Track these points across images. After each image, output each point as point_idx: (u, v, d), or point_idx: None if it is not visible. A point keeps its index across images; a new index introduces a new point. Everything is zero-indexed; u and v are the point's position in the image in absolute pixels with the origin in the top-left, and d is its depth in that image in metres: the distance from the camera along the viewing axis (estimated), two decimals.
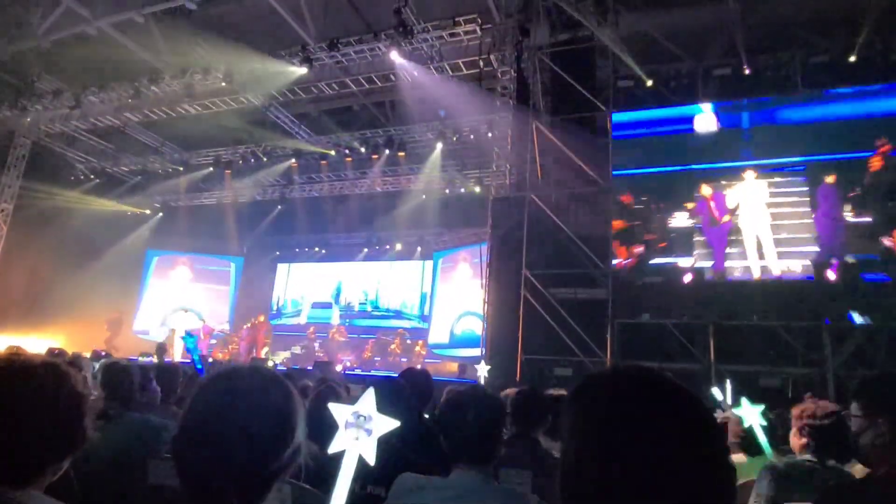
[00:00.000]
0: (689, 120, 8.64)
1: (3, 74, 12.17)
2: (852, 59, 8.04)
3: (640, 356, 8.13)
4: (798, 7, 8.37)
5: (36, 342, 11.38)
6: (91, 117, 12.68)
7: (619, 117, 8.94)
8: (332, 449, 1.21)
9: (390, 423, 1.24)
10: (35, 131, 13.39)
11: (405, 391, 2.51)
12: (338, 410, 1.24)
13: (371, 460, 1.21)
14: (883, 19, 7.63)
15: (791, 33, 8.54)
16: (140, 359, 10.09)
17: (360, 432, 1.21)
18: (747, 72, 8.59)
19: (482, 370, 7.28)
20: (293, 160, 14.29)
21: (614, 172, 8.73)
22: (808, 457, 2.20)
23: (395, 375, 3.11)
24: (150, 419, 2.59)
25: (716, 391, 4.73)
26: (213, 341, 15.51)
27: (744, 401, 2.70)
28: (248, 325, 15.55)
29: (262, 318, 15.82)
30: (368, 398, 1.25)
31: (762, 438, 2.58)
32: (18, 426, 1.06)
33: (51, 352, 7.64)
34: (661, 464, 0.68)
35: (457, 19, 9.43)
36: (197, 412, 0.97)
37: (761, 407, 2.67)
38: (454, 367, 12.04)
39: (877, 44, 8.05)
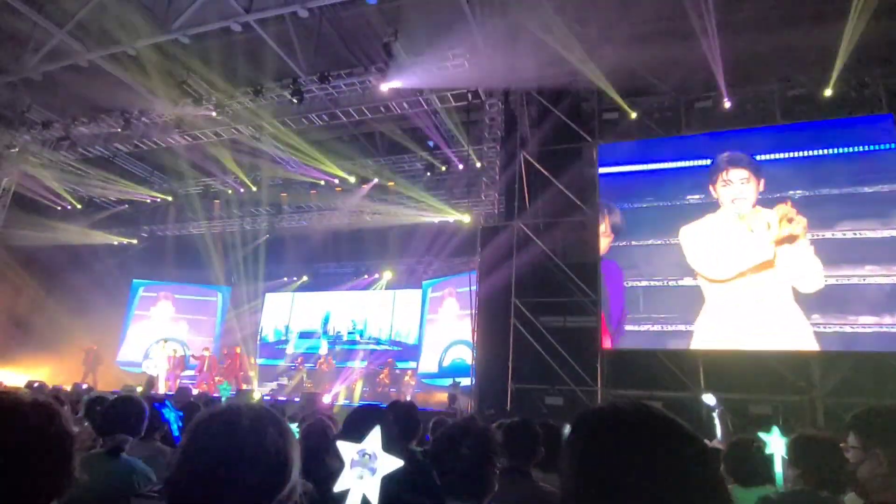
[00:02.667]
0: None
1: None
2: (828, 92, 8.33)
3: (630, 385, 8.11)
4: (775, 42, 8.68)
5: (17, 375, 11.10)
6: (80, 147, 12.65)
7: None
8: (338, 487, 1.18)
9: (395, 462, 1.22)
10: (23, 161, 13.31)
11: (388, 421, 2.46)
12: (345, 448, 1.22)
13: (374, 500, 1.18)
14: (856, 55, 7.94)
15: (769, 68, 8.84)
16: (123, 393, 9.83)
17: (364, 471, 1.19)
18: (728, 104, 8.85)
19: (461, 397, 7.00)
20: (282, 190, 14.33)
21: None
22: (801, 487, 2.18)
23: (382, 405, 3.06)
24: (132, 460, 2.52)
25: (707, 397, 4.75)
26: (190, 371, 15.14)
27: (775, 429, 2.72)
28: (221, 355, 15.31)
29: (238, 350, 15.58)
30: (375, 436, 1.23)
31: (779, 469, 2.57)
32: (4, 470, 1.01)
33: (30, 385, 7.47)
34: (659, 495, 0.71)
35: (445, 53, 9.65)
36: (192, 453, 0.95)
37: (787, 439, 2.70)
38: (444, 396, 11.90)
39: (851, 78, 8.35)
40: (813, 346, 7.27)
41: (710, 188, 8.38)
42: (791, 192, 7.90)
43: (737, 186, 8.26)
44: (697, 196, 8.43)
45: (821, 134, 8.06)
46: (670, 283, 8.21)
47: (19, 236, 13.72)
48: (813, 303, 7.38)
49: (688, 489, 0.72)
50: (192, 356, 15.53)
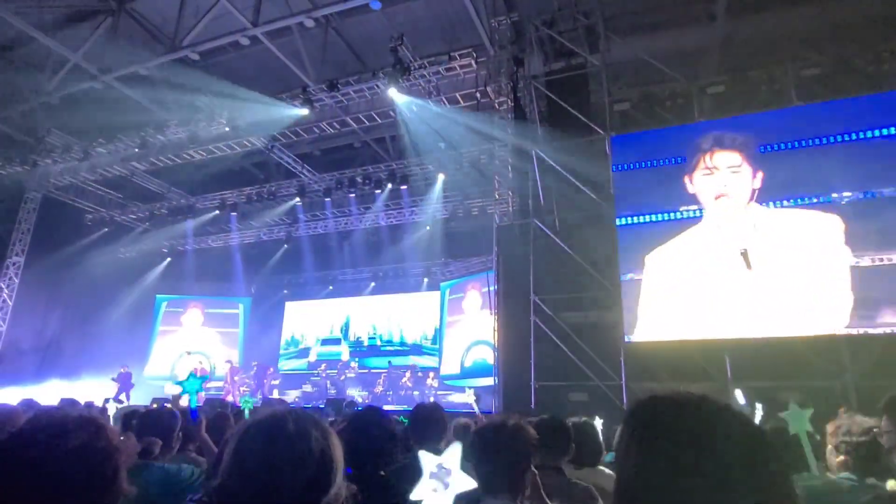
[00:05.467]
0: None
1: (14, 132, 12.50)
2: (845, 69, 8.14)
3: (655, 377, 8.02)
4: (786, 22, 8.53)
5: (49, 393, 11.34)
6: (99, 168, 12.93)
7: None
8: (415, 496, 1.22)
9: (469, 483, 1.25)
10: (45, 185, 13.65)
11: (383, 421, 2.42)
12: (426, 459, 1.25)
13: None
14: (871, 30, 7.76)
15: (781, 48, 8.68)
16: (153, 406, 10.00)
17: (439, 484, 1.22)
18: (741, 89, 8.70)
19: (469, 398, 6.78)
20: (297, 199, 14.47)
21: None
22: (846, 475, 2.13)
23: (399, 409, 3.06)
24: (168, 466, 2.56)
25: (738, 394, 4.70)
26: (219, 382, 15.33)
27: (791, 405, 2.60)
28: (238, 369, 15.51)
29: (255, 364, 15.75)
30: (454, 452, 1.26)
31: (807, 448, 2.46)
32: (55, 485, 1.03)
33: (63, 401, 7.60)
34: (719, 480, 0.71)
35: (452, 54, 9.67)
36: (240, 459, 0.96)
37: (809, 411, 2.56)
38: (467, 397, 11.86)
39: (867, 54, 8.16)
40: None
41: (686, 180, 7.08)
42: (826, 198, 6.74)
43: (723, 176, 6.75)
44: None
45: (840, 114, 7.72)
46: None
47: (45, 257, 14.03)
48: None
49: (748, 474, 0.72)
50: (217, 367, 15.74)
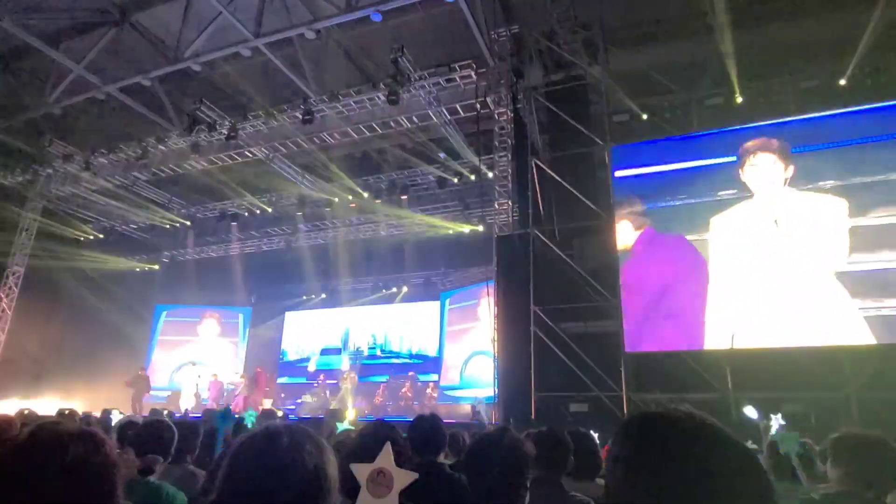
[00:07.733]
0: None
1: (17, 142, 12.55)
2: (843, 82, 8.20)
3: (655, 387, 7.99)
4: (786, 35, 8.60)
5: (47, 403, 11.30)
6: (100, 178, 12.97)
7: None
8: None
9: (409, 476, 1.22)
10: (46, 194, 13.68)
11: (396, 436, 2.42)
12: (357, 469, 1.22)
13: None
14: (872, 42, 7.81)
15: (781, 60, 8.74)
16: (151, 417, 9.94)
17: (381, 489, 1.20)
18: (739, 100, 8.75)
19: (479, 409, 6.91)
20: (298, 209, 14.50)
21: None
22: (846, 488, 2.11)
23: (399, 420, 3.03)
24: (159, 483, 2.53)
25: (749, 410, 4.70)
26: (227, 393, 15.29)
27: (780, 429, 2.71)
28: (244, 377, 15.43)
29: (259, 370, 15.68)
30: (386, 454, 1.24)
31: (797, 466, 2.52)
32: (51, 500, 1.02)
33: (61, 412, 7.57)
34: (710, 498, 0.72)
35: (452, 65, 9.73)
36: (235, 474, 0.96)
37: (796, 434, 2.64)
38: (467, 408, 11.83)
39: (866, 66, 8.22)
40: (864, 331, 7.06)
41: (739, 171, 8.37)
42: (822, 183, 7.84)
43: (765, 167, 8.20)
44: (722, 194, 8.30)
45: (845, 123, 7.88)
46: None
47: (46, 267, 14.03)
48: (856, 287, 7.23)
49: (737, 498, 0.72)
50: (231, 382, 15.64)
